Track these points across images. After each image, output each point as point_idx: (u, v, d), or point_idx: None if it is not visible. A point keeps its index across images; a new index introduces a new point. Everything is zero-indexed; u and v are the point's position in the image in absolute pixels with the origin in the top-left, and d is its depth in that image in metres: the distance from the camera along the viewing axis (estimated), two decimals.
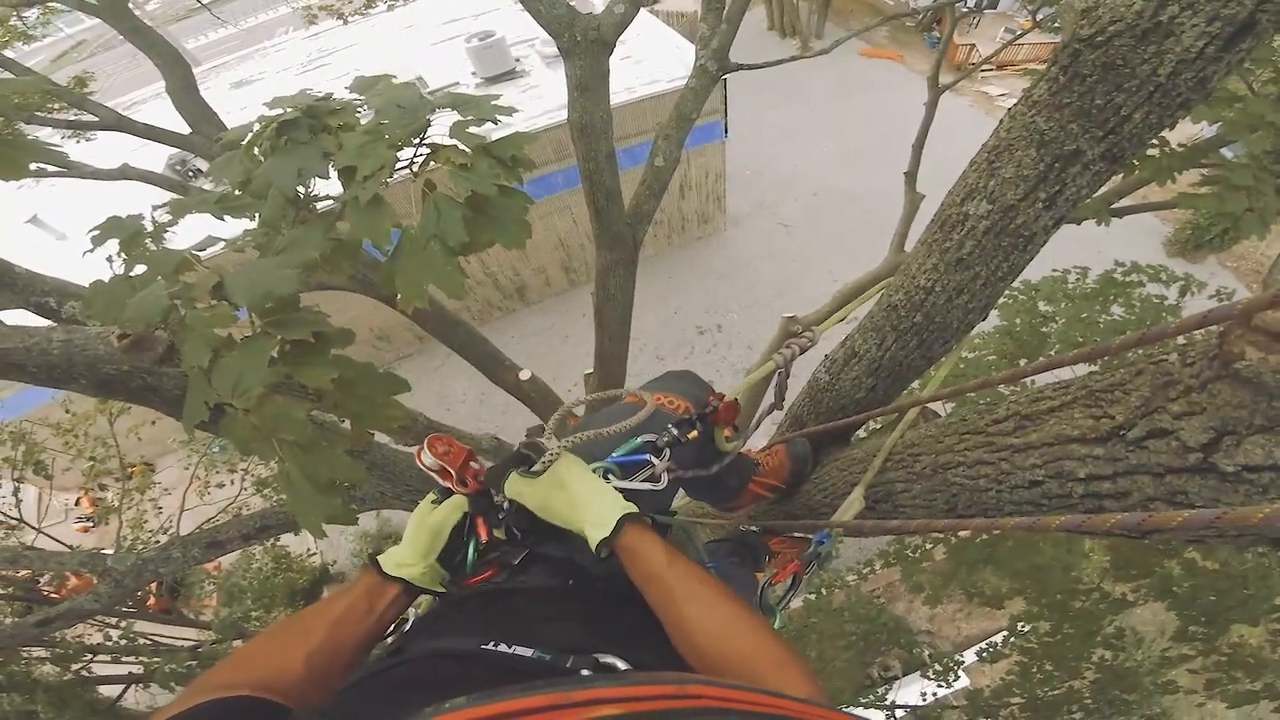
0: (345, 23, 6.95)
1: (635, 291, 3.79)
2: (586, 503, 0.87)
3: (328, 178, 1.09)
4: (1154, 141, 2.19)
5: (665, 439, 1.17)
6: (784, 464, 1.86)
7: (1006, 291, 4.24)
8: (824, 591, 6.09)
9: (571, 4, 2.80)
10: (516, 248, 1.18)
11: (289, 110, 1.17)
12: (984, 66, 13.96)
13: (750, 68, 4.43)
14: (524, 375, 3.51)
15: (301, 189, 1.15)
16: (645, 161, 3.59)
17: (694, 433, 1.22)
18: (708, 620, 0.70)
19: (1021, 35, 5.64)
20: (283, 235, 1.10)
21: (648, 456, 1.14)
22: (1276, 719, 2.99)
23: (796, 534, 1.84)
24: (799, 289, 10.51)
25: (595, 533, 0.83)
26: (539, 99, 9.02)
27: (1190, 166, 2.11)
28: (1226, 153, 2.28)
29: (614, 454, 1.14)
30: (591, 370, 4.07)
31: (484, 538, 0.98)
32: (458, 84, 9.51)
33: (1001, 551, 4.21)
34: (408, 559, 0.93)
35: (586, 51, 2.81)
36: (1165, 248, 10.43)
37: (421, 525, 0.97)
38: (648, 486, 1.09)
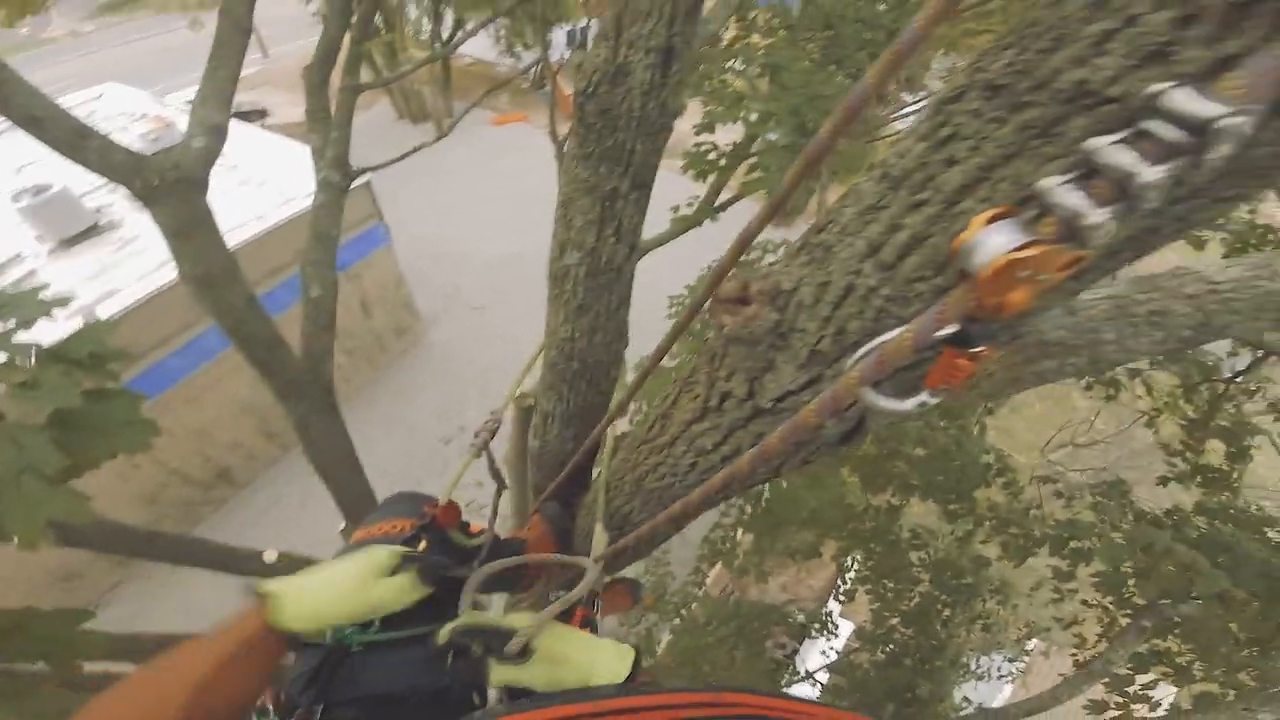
0: None
1: (362, 424, 3.61)
2: (594, 664, 0.81)
3: None
4: (711, 146, 2.83)
5: None
6: (545, 531, 1.97)
7: (680, 297, 4.97)
8: (684, 614, 6.38)
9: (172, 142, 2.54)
10: (141, 451, 1.10)
11: None
12: None
13: (378, 168, 4.53)
14: (269, 557, 3.12)
15: None
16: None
17: (422, 545, 1.27)
18: None
19: None
20: None
21: None
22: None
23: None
24: (518, 364, 10.86)
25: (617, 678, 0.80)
26: (143, 254, 7.65)
27: (739, 161, 2.77)
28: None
29: None
30: (344, 525, 3.77)
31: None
32: (19, 257, 7.75)
33: (777, 511, 4.83)
34: (317, 623, 0.78)
35: (174, 194, 2.57)
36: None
37: (363, 594, 0.82)
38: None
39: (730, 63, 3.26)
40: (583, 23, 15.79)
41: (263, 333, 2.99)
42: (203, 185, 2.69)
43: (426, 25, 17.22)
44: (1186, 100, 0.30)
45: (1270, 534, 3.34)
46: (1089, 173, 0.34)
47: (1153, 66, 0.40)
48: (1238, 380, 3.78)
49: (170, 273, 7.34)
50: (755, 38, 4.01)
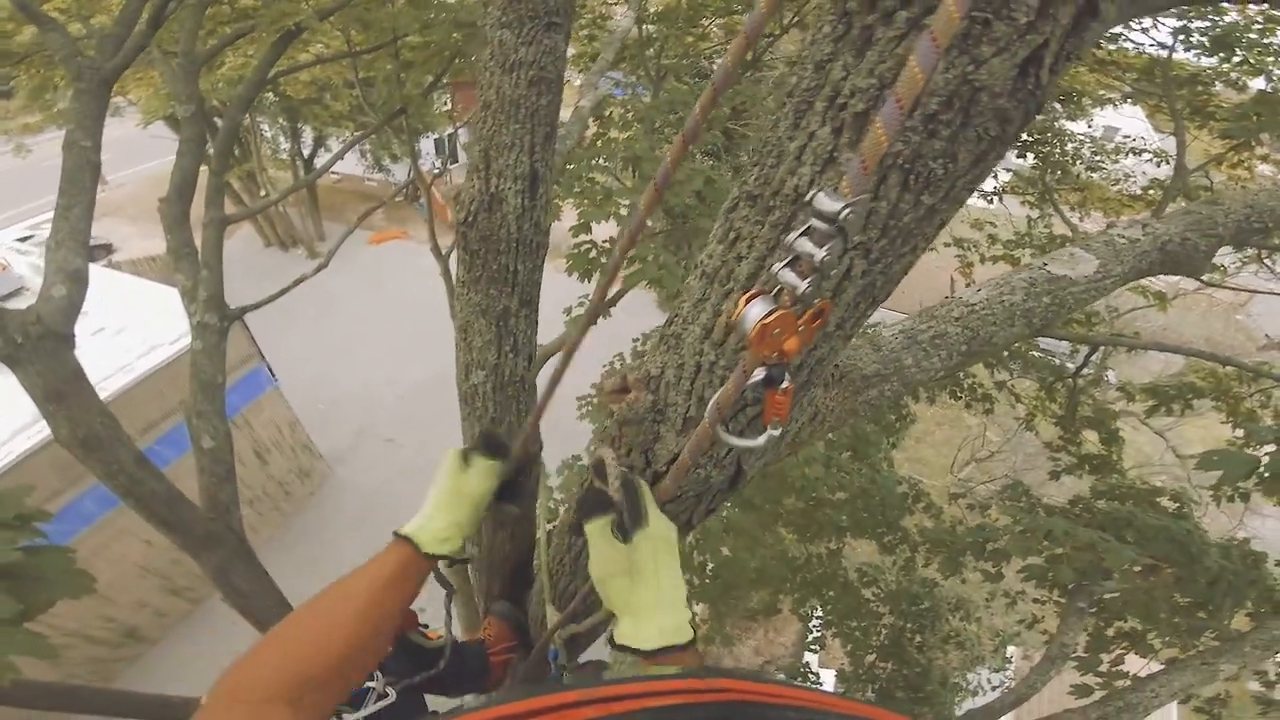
0: None
1: (279, 571, 3.49)
2: (641, 608, 0.84)
3: None
4: (590, 244, 3.13)
5: None
6: (501, 629, 2.05)
7: (587, 397, 5.18)
8: None
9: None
10: (86, 594, 1.24)
11: None
12: None
13: (258, 305, 4.50)
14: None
15: None
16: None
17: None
18: None
19: None
20: None
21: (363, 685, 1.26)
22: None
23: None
24: None
25: (637, 640, 0.82)
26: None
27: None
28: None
29: None
30: None
31: None
32: None
33: (724, 576, 4.96)
34: (449, 533, 0.93)
35: (40, 353, 2.47)
36: (659, 306, 13.97)
37: (459, 495, 0.96)
38: (380, 706, 1.26)
39: (595, 161, 3.61)
40: (449, 130, 16.40)
41: (160, 490, 2.89)
42: (70, 339, 2.60)
43: (283, 144, 17.27)
44: (825, 201, 0.51)
45: (1164, 502, 3.79)
46: (796, 258, 0.55)
47: (829, 170, 0.62)
48: (1083, 374, 4.35)
49: (26, 440, 6.87)
50: (614, 132, 4.44)
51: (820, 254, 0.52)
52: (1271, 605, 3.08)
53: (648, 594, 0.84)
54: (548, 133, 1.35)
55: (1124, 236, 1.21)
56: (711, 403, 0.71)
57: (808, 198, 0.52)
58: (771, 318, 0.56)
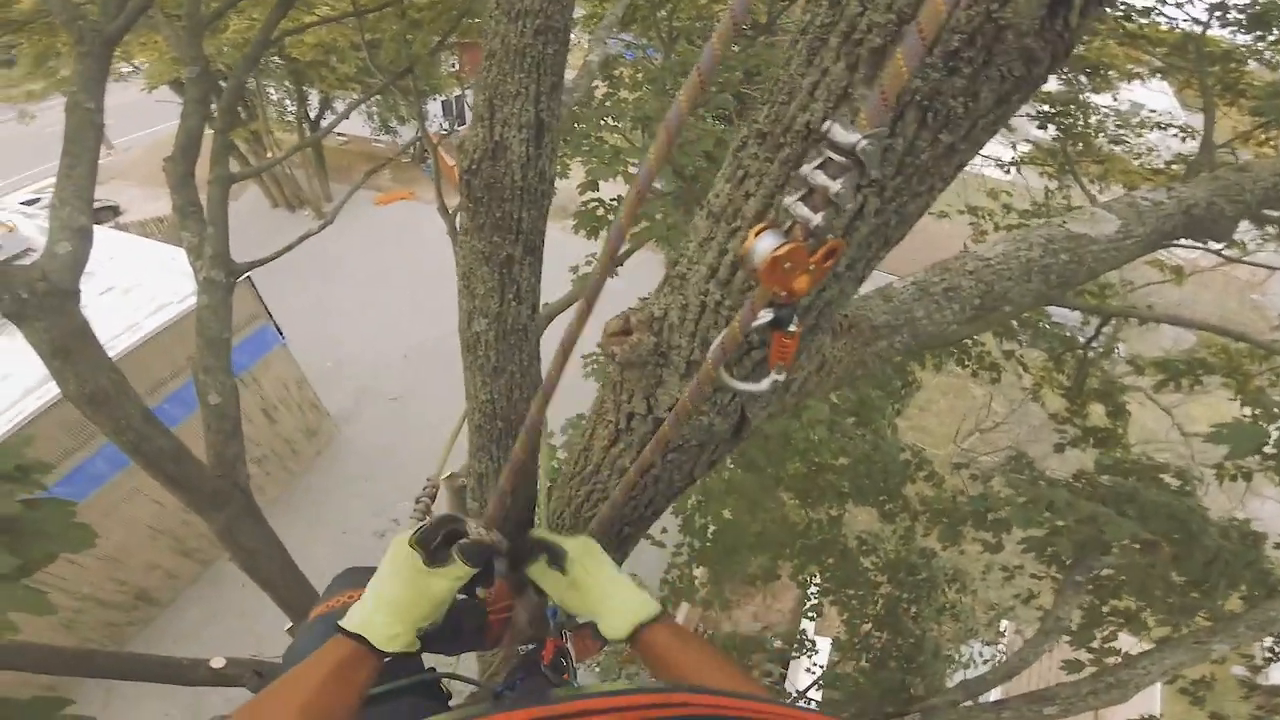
0: None
1: (288, 530, 3.55)
2: (606, 600, 0.99)
3: None
4: (598, 202, 3.09)
5: None
6: (499, 585, 2.06)
7: (593, 355, 5.18)
8: None
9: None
10: (87, 548, 1.20)
11: None
12: None
13: (263, 262, 4.50)
14: (218, 664, 2.95)
15: None
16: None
17: None
18: None
19: None
20: None
21: None
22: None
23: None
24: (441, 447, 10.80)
25: (610, 632, 0.97)
26: (6, 376, 7.10)
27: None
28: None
29: None
30: (290, 624, 3.69)
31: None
32: None
33: (724, 540, 5.00)
34: (398, 630, 0.87)
35: (45, 309, 2.49)
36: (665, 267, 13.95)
37: (420, 595, 0.91)
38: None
39: (603, 120, 3.54)
40: (456, 93, 16.14)
41: (168, 447, 2.92)
42: (75, 295, 2.62)
43: (290, 106, 17.14)
44: (840, 133, 0.50)
45: (1167, 479, 3.77)
46: (810, 190, 0.53)
47: (844, 105, 0.60)
48: (1093, 346, 4.31)
49: (36, 401, 6.95)
50: (624, 93, 4.37)
51: (835, 186, 0.50)
52: (1266, 589, 3.07)
53: (595, 597, 1.00)
54: (554, 82, 1.31)
55: (1148, 199, 1.17)
56: (716, 343, 0.70)
57: (823, 129, 0.50)
58: (783, 250, 0.54)
